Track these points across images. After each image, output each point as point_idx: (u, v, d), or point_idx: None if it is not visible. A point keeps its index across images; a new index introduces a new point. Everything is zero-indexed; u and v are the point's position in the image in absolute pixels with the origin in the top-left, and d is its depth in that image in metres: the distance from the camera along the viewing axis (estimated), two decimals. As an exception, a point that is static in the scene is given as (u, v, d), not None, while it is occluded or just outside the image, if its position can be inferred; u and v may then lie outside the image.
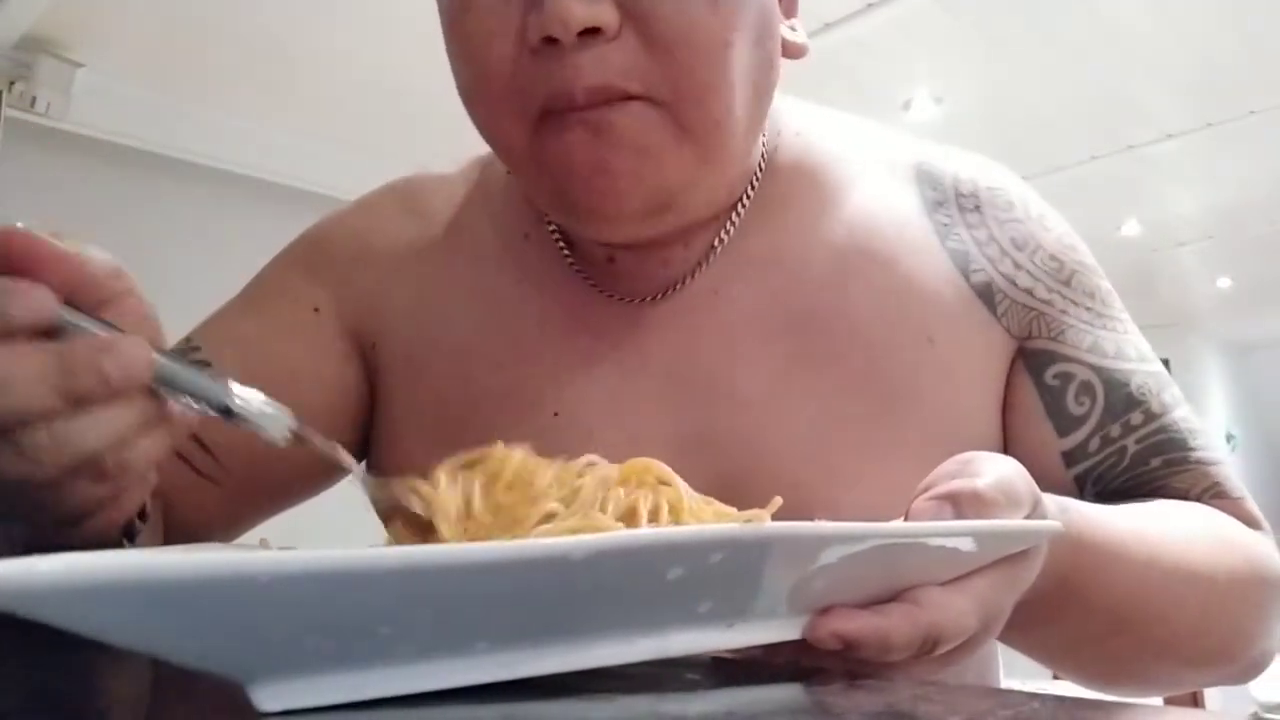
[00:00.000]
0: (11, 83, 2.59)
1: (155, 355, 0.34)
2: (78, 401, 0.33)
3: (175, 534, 0.59)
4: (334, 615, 0.25)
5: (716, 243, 0.58)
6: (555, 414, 0.56)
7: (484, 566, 0.26)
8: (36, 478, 0.33)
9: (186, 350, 0.61)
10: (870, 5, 2.39)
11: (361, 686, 0.27)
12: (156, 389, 0.35)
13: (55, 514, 0.36)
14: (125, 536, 0.43)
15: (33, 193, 2.68)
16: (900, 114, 2.96)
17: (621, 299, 0.58)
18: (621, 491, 0.36)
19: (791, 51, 0.56)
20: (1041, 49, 2.63)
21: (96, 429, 0.33)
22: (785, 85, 0.57)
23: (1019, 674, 0.54)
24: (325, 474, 0.64)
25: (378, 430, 0.63)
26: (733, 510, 0.37)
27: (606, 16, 0.45)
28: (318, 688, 0.26)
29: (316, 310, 0.62)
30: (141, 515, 0.44)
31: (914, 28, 2.51)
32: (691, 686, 0.32)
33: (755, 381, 0.55)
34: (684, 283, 0.57)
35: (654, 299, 0.58)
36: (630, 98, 0.47)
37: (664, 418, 0.55)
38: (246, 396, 0.36)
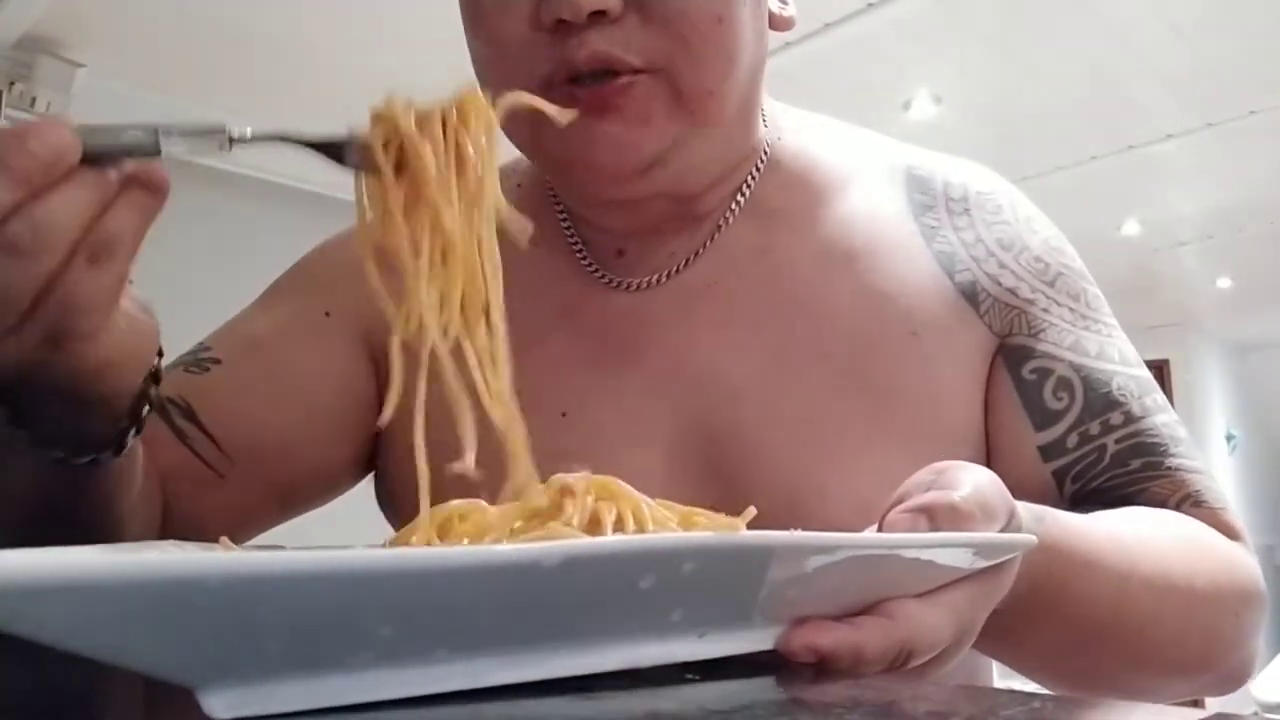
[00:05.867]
0: (11, 83, 2.58)
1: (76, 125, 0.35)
2: (28, 186, 0.34)
3: (181, 536, 0.59)
4: (291, 620, 0.24)
5: (716, 233, 0.61)
6: (563, 414, 0.58)
7: (451, 572, 0.25)
8: (35, 271, 0.35)
9: (197, 350, 0.63)
10: (870, 5, 2.39)
11: (319, 694, 0.25)
12: (96, 160, 0.36)
13: (79, 308, 0.37)
14: (130, 424, 0.45)
15: (33, 193, 2.67)
16: (900, 114, 2.96)
17: (628, 289, 0.61)
18: (589, 500, 0.36)
19: (779, 24, 0.60)
20: (1041, 49, 2.63)
21: (63, 207, 0.35)
22: (786, 85, 0.58)
23: (1019, 674, 0.54)
24: (335, 477, 0.65)
25: (389, 435, 0.64)
26: (702, 518, 0.37)
27: (611, 0, 0.50)
28: (273, 695, 0.25)
29: (328, 314, 0.65)
30: (148, 386, 0.45)
31: (914, 28, 2.50)
32: (673, 681, 0.32)
33: (747, 372, 0.57)
34: (681, 269, 0.61)
35: (657, 283, 0.61)
36: (631, 71, 0.52)
37: (663, 410, 0.58)
38: (172, 127, 0.38)
